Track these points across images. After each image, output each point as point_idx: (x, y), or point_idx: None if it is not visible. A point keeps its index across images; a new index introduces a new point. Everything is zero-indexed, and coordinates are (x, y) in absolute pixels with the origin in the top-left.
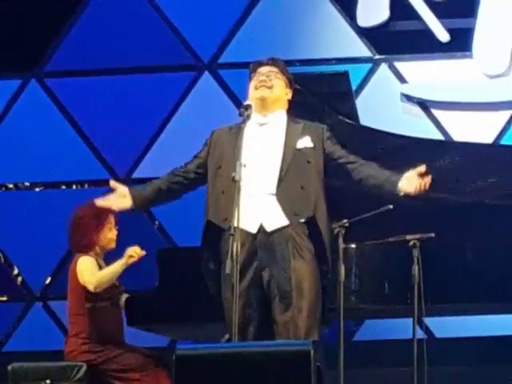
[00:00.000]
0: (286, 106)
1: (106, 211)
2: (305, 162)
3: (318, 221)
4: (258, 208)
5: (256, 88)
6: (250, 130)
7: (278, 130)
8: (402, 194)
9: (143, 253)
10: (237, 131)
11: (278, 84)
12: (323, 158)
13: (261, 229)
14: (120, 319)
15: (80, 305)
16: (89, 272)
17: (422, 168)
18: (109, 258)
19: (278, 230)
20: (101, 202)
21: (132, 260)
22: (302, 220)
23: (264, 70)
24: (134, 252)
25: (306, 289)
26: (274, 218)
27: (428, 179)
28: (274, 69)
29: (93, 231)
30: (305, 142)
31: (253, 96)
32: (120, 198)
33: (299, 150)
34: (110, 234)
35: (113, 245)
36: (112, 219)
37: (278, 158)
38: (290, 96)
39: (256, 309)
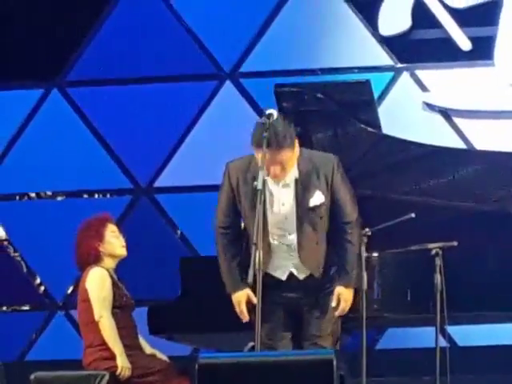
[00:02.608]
0: (296, 158)
1: (102, 220)
2: (318, 219)
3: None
4: (284, 263)
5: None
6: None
7: (290, 189)
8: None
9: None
10: (253, 178)
11: (289, 157)
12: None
13: (291, 276)
14: (132, 325)
15: (90, 314)
16: (98, 296)
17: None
18: (131, 265)
19: (308, 278)
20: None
21: (119, 376)
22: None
23: (273, 156)
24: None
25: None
26: (303, 271)
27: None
28: (283, 151)
29: (95, 241)
30: (316, 199)
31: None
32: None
33: (312, 208)
34: (115, 241)
35: (123, 252)
36: (113, 227)
37: (293, 218)
38: (298, 147)
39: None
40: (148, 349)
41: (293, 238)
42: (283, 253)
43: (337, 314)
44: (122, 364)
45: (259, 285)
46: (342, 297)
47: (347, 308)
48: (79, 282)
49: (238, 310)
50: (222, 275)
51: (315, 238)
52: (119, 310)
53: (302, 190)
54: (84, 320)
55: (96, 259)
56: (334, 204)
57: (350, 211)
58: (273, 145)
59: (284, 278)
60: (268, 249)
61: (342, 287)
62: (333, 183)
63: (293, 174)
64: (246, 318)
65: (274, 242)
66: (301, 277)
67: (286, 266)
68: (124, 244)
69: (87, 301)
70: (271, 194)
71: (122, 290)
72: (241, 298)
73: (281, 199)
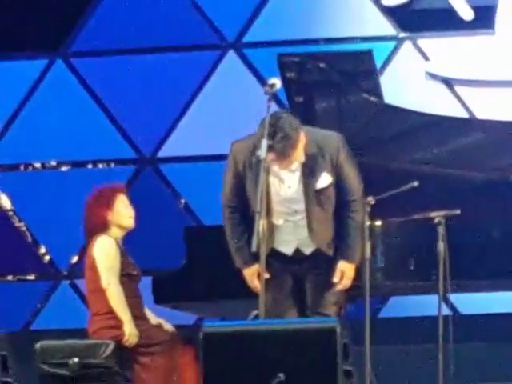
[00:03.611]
0: (302, 148)
1: (115, 190)
2: (326, 199)
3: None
4: (290, 239)
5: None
6: (270, 168)
7: (297, 173)
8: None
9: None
10: (259, 164)
11: (294, 157)
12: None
13: (297, 251)
14: (138, 295)
15: (97, 281)
16: (107, 263)
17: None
18: (136, 234)
19: (314, 252)
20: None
21: (126, 343)
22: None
23: (280, 158)
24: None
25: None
26: (309, 245)
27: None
28: (289, 155)
29: (104, 210)
30: (323, 181)
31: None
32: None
33: (319, 190)
34: (124, 211)
35: (130, 223)
36: (124, 198)
37: (300, 199)
38: (303, 137)
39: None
40: (153, 319)
41: (299, 216)
42: (289, 229)
43: (338, 289)
44: (130, 331)
45: (263, 252)
46: (345, 274)
47: (349, 284)
48: (84, 251)
49: (251, 285)
50: (232, 252)
51: (324, 216)
52: (126, 278)
53: (309, 173)
54: (91, 288)
55: (104, 228)
56: (339, 182)
57: (355, 189)
58: (279, 153)
59: (290, 253)
60: (272, 227)
61: (344, 262)
62: (338, 162)
63: (299, 159)
64: (259, 290)
65: (278, 221)
66: (307, 251)
67: (292, 242)
68: (132, 215)
69: (94, 269)
70: (278, 178)
71: (129, 259)
72: (252, 273)
73: (287, 182)
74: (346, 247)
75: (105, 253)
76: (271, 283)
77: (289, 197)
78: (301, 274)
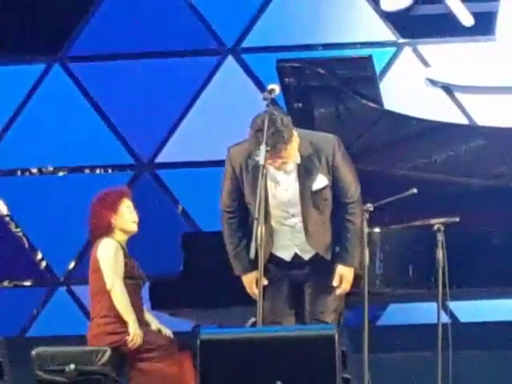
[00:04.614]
0: (296, 147)
1: (120, 194)
2: (322, 201)
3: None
4: (288, 244)
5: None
6: (267, 171)
7: (293, 174)
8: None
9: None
10: (255, 167)
11: (288, 153)
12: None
13: (295, 256)
14: (139, 300)
15: (100, 283)
16: (111, 265)
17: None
18: (133, 240)
19: (313, 257)
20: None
21: (130, 343)
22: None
23: (273, 155)
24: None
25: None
26: (308, 251)
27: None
28: (281, 151)
29: (109, 213)
30: (319, 183)
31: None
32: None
33: (315, 192)
34: (128, 216)
35: (134, 227)
36: (129, 202)
37: (296, 202)
38: (297, 136)
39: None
40: (154, 324)
41: (296, 220)
42: (287, 234)
43: (337, 293)
44: (135, 331)
45: (261, 259)
46: (345, 278)
47: (348, 288)
48: (80, 257)
49: (249, 291)
50: (230, 258)
51: (321, 219)
52: (130, 281)
53: (305, 174)
54: (94, 290)
55: (108, 231)
56: (335, 184)
57: (353, 191)
58: (270, 148)
59: (289, 259)
60: (271, 232)
61: (343, 267)
62: (334, 164)
63: (294, 159)
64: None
65: (276, 225)
66: (305, 257)
67: (290, 247)
68: (136, 220)
69: (98, 271)
70: (274, 180)
71: (134, 262)
72: (250, 280)
73: (284, 185)
74: (344, 251)
75: (109, 254)
76: (269, 290)
77: (286, 200)
78: (300, 280)
